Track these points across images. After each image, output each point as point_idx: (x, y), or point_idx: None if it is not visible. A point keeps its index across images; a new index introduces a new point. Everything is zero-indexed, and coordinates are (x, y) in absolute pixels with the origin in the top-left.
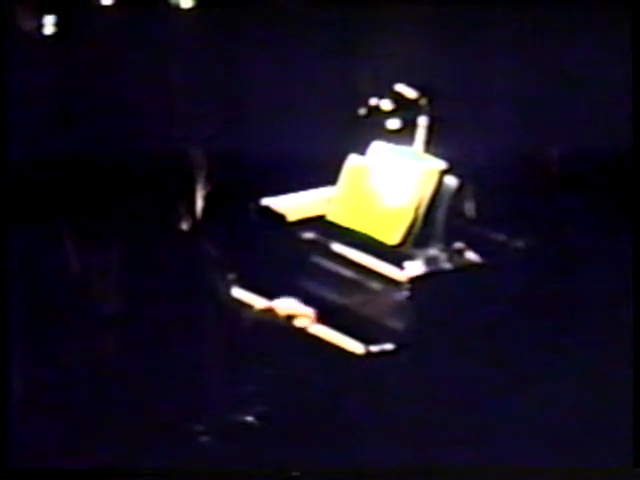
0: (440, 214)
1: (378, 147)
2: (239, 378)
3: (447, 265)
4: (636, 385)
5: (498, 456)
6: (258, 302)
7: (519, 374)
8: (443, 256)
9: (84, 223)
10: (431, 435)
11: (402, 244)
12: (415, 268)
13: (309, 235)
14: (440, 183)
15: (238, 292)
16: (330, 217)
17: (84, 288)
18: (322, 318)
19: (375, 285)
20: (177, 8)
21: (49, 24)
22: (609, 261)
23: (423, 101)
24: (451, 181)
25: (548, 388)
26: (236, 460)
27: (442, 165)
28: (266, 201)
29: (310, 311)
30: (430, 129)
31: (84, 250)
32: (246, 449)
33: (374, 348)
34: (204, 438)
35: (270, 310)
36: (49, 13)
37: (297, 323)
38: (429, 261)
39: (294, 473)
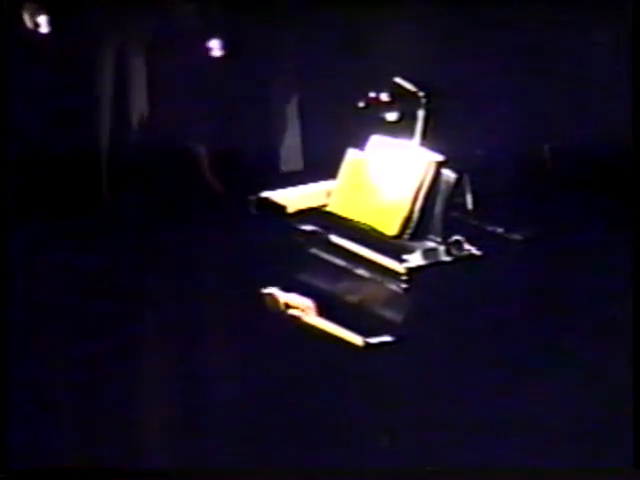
0: (438, 207)
1: (377, 141)
2: (239, 376)
3: (445, 257)
4: (636, 385)
5: (498, 456)
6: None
7: (518, 369)
8: (441, 248)
9: (83, 222)
10: (430, 434)
11: (399, 236)
12: (413, 260)
13: (308, 227)
14: (438, 176)
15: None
16: (329, 209)
17: (84, 287)
18: (321, 310)
19: (374, 277)
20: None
21: (49, 22)
22: (608, 255)
23: (422, 94)
24: (449, 174)
25: (548, 387)
26: (236, 460)
27: (440, 158)
28: (265, 194)
29: (309, 303)
30: (428, 122)
31: (84, 249)
32: (246, 448)
33: (372, 340)
34: (204, 437)
35: (269, 295)
36: (48, 11)
37: (295, 315)
38: (427, 253)
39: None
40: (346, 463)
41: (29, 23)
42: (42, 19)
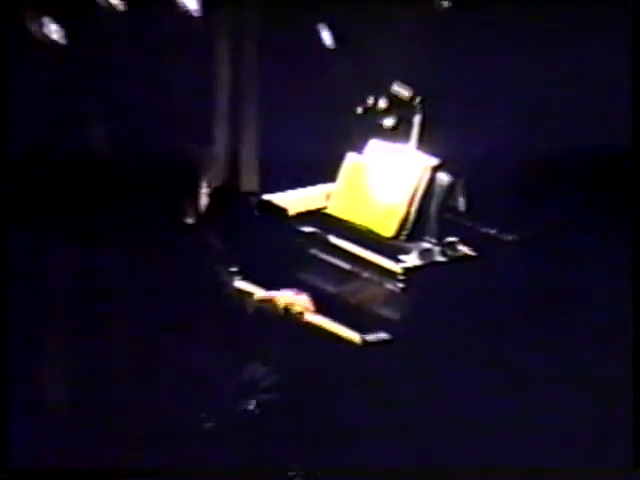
0: (433, 209)
1: (375, 145)
2: (240, 376)
3: (440, 258)
4: (636, 385)
5: (498, 456)
6: (258, 293)
7: (515, 370)
8: (436, 249)
9: (84, 222)
10: (428, 433)
11: (396, 237)
12: (410, 261)
13: (308, 229)
14: (433, 179)
15: (239, 285)
16: (329, 211)
17: (85, 287)
18: (320, 309)
19: (371, 277)
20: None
21: (51, 25)
22: (607, 255)
23: (417, 100)
24: (443, 177)
25: (547, 387)
26: (236, 460)
27: (435, 162)
28: (267, 196)
29: (307, 302)
30: (424, 127)
31: (85, 249)
32: (247, 449)
33: (370, 337)
34: (204, 437)
35: (270, 300)
36: (51, 14)
37: (295, 314)
38: (423, 254)
39: (290, 473)
40: (346, 463)
41: (31, 23)
42: (44, 19)
